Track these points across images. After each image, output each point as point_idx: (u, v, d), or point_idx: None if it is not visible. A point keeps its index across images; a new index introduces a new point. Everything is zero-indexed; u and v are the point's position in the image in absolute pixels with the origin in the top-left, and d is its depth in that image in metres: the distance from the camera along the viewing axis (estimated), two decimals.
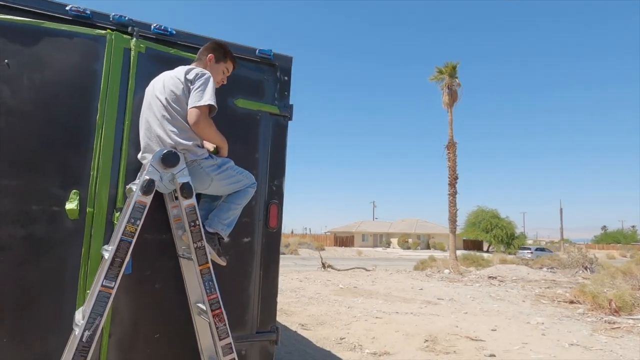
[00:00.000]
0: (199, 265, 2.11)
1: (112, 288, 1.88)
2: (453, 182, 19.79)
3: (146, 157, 2.26)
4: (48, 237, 2.29)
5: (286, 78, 3.10)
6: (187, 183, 2.10)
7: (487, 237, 50.01)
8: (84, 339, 1.79)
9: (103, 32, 2.50)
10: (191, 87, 2.24)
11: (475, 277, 15.73)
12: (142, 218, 1.99)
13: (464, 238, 55.48)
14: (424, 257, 22.76)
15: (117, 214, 2.39)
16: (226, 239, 2.52)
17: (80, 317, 2.00)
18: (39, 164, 2.31)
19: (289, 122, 3.10)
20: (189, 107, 2.22)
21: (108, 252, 1.93)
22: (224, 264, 2.42)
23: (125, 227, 1.94)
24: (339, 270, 17.45)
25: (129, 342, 2.42)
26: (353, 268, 18.24)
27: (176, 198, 2.32)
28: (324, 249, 38.39)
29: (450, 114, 20.58)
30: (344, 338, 6.29)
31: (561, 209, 67.31)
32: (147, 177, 2.01)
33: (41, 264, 2.27)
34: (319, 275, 15.61)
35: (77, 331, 1.83)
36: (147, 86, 2.50)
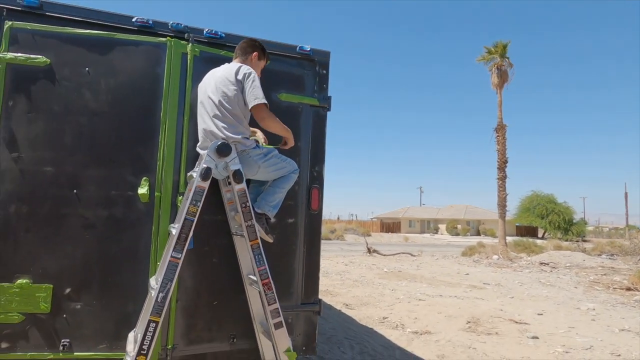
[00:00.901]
0: (250, 241, 2.44)
1: (179, 258, 2.25)
2: (502, 165, 19.20)
3: (203, 149, 2.62)
4: (125, 218, 2.72)
5: (324, 72, 3.34)
6: (239, 170, 2.43)
7: (542, 223, 47.71)
8: (158, 300, 2.18)
9: (164, 39, 2.86)
10: (241, 86, 2.55)
11: (525, 263, 15.35)
12: (201, 200, 2.35)
13: (517, 224, 53.38)
14: (474, 243, 22.37)
15: (179, 197, 2.77)
16: (273, 219, 2.84)
17: (154, 282, 2.40)
18: (116, 156, 2.73)
19: (328, 112, 3.35)
20: (250, 107, 2.56)
21: (175, 229, 2.31)
22: (271, 241, 2.75)
23: (188, 208, 2.30)
24: (384, 255, 17.63)
25: (193, 308, 2.82)
26: (398, 253, 18.35)
27: (229, 183, 2.66)
28: (369, 235, 38.55)
29: (500, 96, 19.87)
30: (386, 318, 6.55)
31: (626, 193, 62.85)
32: (205, 165, 2.35)
33: (120, 240, 2.71)
34: (364, 259, 15.90)
35: (152, 293, 2.22)
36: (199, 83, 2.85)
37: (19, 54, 2.62)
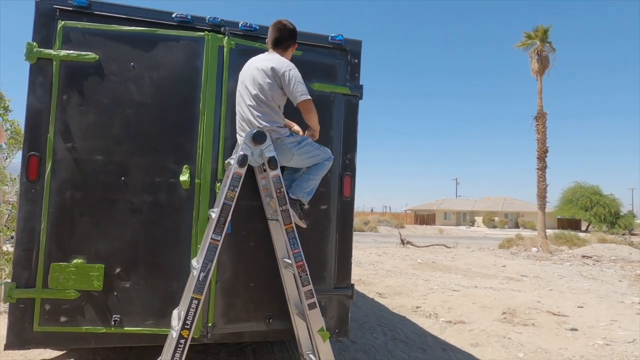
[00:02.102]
0: (285, 225, 2.55)
1: (219, 241, 2.40)
2: (542, 155, 18.49)
3: (240, 136, 2.75)
4: (168, 203, 2.90)
5: (356, 61, 3.39)
6: (273, 157, 2.55)
7: (586, 216, 45.54)
8: (200, 279, 2.33)
9: (202, 33, 3.00)
10: (280, 81, 2.66)
11: (566, 256, 14.83)
12: (238, 186, 2.48)
13: (559, 217, 51.31)
14: (512, 236, 21.77)
15: (218, 184, 2.92)
16: (307, 206, 2.94)
17: (195, 263, 2.56)
18: (159, 145, 2.91)
19: (360, 101, 3.41)
20: (298, 102, 2.69)
21: (214, 213, 2.45)
22: (304, 226, 2.85)
23: (227, 193, 2.44)
24: (418, 246, 17.50)
25: (231, 289, 2.98)
26: (433, 245, 18.15)
27: (264, 170, 2.78)
28: (403, 227, 38.25)
29: (540, 82, 19.07)
30: (419, 307, 6.56)
31: None
32: (242, 153, 2.48)
33: (164, 224, 2.89)
34: (398, 250, 15.85)
35: (194, 272, 2.38)
36: (237, 76, 2.98)
37: (71, 51, 2.83)
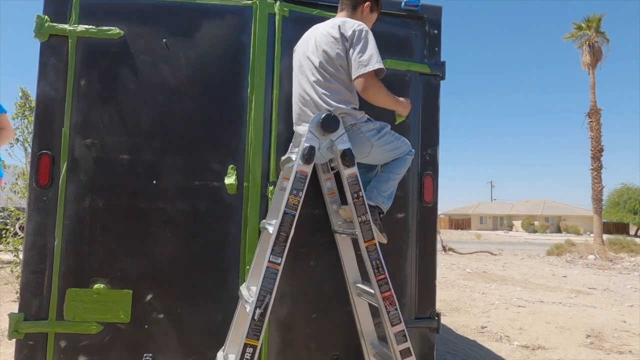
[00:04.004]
0: (365, 242, 1.89)
1: (279, 264, 1.77)
2: (597, 154, 17.07)
3: (301, 124, 2.11)
4: (210, 212, 2.29)
5: (436, 32, 2.71)
6: (349, 149, 1.89)
7: (635, 219, 42.81)
8: (255, 317, 1.70)
9: (249, 2, 2.40)
10: (348, 45, 2.00)
11: (630, 265, 13.47)
12: (304, 189, 1.84)
13: (604, 220, 48.45)
14: (555, 241, 20.31)
15: (271, 188, 2.30)
16: (385, 213, 2.27)
17: (247, 293, 1.93)
18: (198, 140, 2.32)
19: (441, 82, 2.72)
20: (354, 77, 2.00)
21: (272, 225, 1.83)
22: (385, 241, 2.18)
23: (288, 200, 1.81)
24: (461, 253, 16.46)
25: (288, 321, 2.34)
26: (477, 252, 17.05)
27: (332, 169, 2.13)
28: (439, 232, 36.84)
29: (592, 76, 17.67)
30: (485, 327, 5.75)
31: None
32: (307, 145, 1.84)
33: (205, 238, 2.29)
34: (440, 258, 14.89)
35: (248, 308, 1.76)
36: (292, 51, 2.36)
37: (90, 26, 2.29)
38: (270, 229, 1.82)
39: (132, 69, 2.31)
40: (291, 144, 2.25)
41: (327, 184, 2.28)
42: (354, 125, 2.01)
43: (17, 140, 4.45)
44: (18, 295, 4.37)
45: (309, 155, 1.82)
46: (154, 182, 2.28)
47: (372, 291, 2.08)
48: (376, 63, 1.97)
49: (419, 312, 2.55)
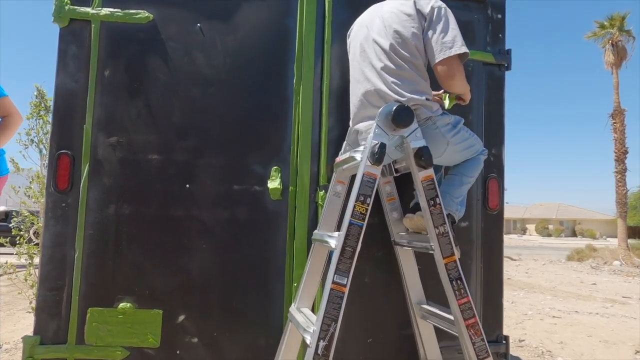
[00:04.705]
0: (444, 258, 1.58)
1: (345, 285, 1.46)
2: (621, 157, 16.48)
3: (362, 120, 1.80)
4: (251, 220, 2.00)
5: (499, 16, 2.40)
6: (426, 148, 1.58)
7: None
8: (319, 351, 1.40)
9: None
10: (426, 25, 1.68)
11: None
12: (372, 195, 1.54)
13: None
14: (571, 245, 19.69)
15: (321, 193, 2.00)
16: (456, 222, 1.95)
17: (302, 318, 1.63)
18: (237, 138, 2.03)
19: (507, 72, 2.40)
20: (437, 60, 1.69)
21: (334, 239, 1.52)
22: (459, 255, 1.86)
23: (354, 208, 1.50)
24: None
25: (339, 347, 2.02)
26: None
27: (396, 171, 1.82)
28: None
29: (616, 76, 17.11)
30: (522, 340, 5.37)
31: None
32: (377, 142, 1.54)
33: (246, 251, 2.00)
34: None
35: (308, 339, 1.45)
36: (343, 36, 2.06)
37: (116, 10, 2.02)
38: (333, 243, 1.52)
39: (162, 58, 2.03)
40: (345, 142, 1.95)
41: (387, 188, 1.98)
42: (429, 119, 1.70)
43: (32, 141, 4.22)
44: (32, 305, 4.13)
45: (379, 154, 1.51)
46: (187, 186, 1.99)
47: (441, 313, 1.77)
48: (462, 45, 1.67)
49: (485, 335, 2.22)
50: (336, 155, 2.00)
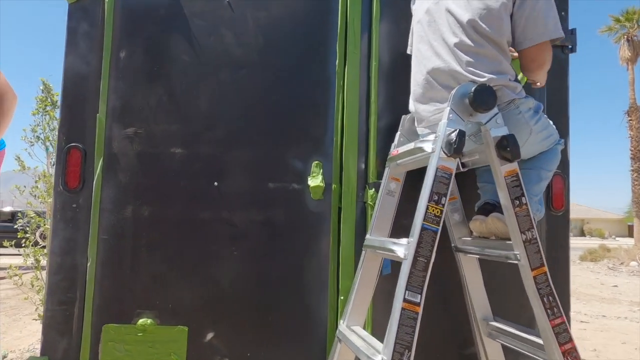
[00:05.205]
0: (532, 270, 1.31)
1: (419, 304, 1.20)
2: (637, 155, 16.08)
3: (426, 103, 1.51)
4: (289, 224, 1.74)
5: None
6: (512, 136, 1.31)
7: None
8: None
9: None
10: None
11: None
12: (447, 194, 1.27)
13: (629, 224, 46.98)
14: (580, 244, 19.29)
15: (370, 191, 1.73)
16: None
17: (361, 342, 1.36)
18: (272, 129, 1.76)
19: (571, 55, 2.13)
20: (532, 43, 1.44)
21: (403, 247, 1.26)
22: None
23: (427, 209, 1.24)
24: None
25: None
26: None
27: (462, 165, 1.55)
28: None
29: (632, 72, 16.74)
30: None
31: None
32: (453, 129, 1.27)
33: (281, 258, 1.73)
34: None
35: None
36: (395, 9, 1.79)
37: None
38: (401, 252, 1.25)
39: (185, 37, 1.77)
40: (398, 132, 1.68)
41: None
42: (512, 102, 1.42)
43: (38, 138, 3.99)
44: (38, 312, 3.90)
45: (458, 144, 1.24)
46: (215, 184, 1.73)
47: (520, 334, 1.50)
48: (560, 28, 1.42)
49: None
50: (386, 148, 1.73)
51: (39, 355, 1.66)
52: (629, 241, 22.65)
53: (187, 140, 1.73)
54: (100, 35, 1.75)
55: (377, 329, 1.70)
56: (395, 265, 1.73)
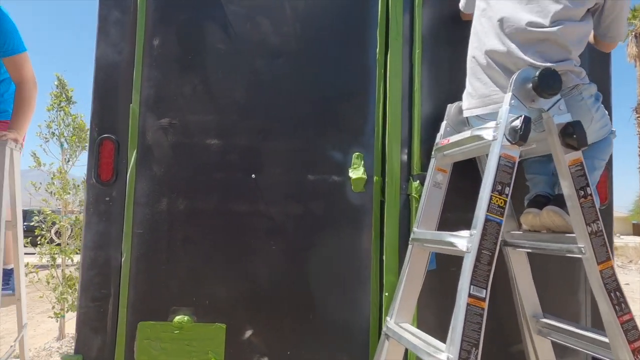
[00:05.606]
0: (599, 264, 1.25)
1: (484, 299, 1.14)
2: None
3: (480, 81, 1.43)
4: (329, 217, 1.68)
5: None
6: (578, 123, 1.24)
7: None
8: None
9: None
10: None
11: None
12: (511, 183, 1.21)
13: (634, 222, 46.77)
14: None
15: (414, 184, 1.66)
16: None
17: (415, 339, 1.30)
18: (311, 119, 1.70)
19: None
20: (611, 41, 1.54)
21: (465, 239, 1.20)
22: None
23: (490, 199, 1.18)
24: None
25: None
26: None
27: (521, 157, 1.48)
28: None
29: (639, 69, 16.61)
30: None
31: None
32: (516, 115, 1.20)
33: (321, 253, 1.67)
34: None
35: None
36: None
37: None
38: (463, 245, 1.19)
39: (221, 24, 1.71)
40: (444, 122, 1.61)
41: None
42: (575, 87, 1.36)
43: (53, 134, 3.93)
44: (55, 310, 3.86)
45: (524, 131, 1.18)
46: (253, 176, 1.67)
47: (579, 332, 1.44)
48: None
49: None
50: (430, 138, 1.67)
51: (72, 353, 1.61)
52: (635, 239, 22.56)
53: (224, 131, 1.67)
54: (132, 23, 1.69)
55: (422, 326, 1.64)
56: (440, 260, 1.68)
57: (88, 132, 1.86)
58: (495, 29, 1.40)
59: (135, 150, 1.65)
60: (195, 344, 1.61)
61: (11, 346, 1.93)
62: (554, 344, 1.62)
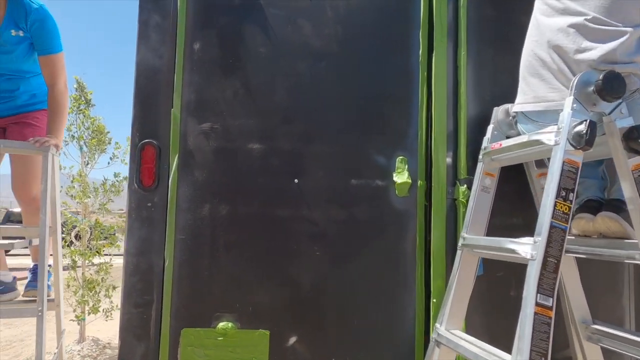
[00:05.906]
0: None
1: (551, 308, 1.11)
2: None
3: (536, 77, 1.39)
4: (373, 222, 1.66)
5: None
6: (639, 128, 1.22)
7: None
8: None
9: None
10: None
11: None
12: (575, 189, 1.18)
13: None
14: None
15: (461, 188, 1.64)
16: None
17: (474, 348, 1.28)
18: (354, 122, 1.68)
19: None
20: None
21: (529, 246, 1.17)
22: None
23: (555, 206, 1.15)
24: None
25: None
26: None
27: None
28: None
29: None
30: None
31: None
32: (579, 120, 1.18)
33: (366, 259, 1.65)
34: None
35: None
36: None
37: None
38: (527, 252, 1.17)
39: (262, 27, 1.69)
40: (491, 125, 1.59)
41: (542, 181, 1.61)
42: (638, 90, 1.33)
43: (73, 137, 3.93)
44: (75, 313, 3.86)
45: (590, 136, 1.15)
46: (296, 181, 1.65)
47: (620, 334, 1.42)
48: None
49: None
50: (476, 142, 1.64)
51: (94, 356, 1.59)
52: None
53: (266, 135, 1.66)
54: (172, 27, 1.68)
55: (470, 332, 1.61)
56: (487, 266, 1.65)
57: (118, 137, 1.84)
58: (559, 25, 1.36)
59: (176, 155, 1.64)
60: (239, 351, 1.60)
61: (54, 354, 1.92)
62: (603, 349, 1.60)
